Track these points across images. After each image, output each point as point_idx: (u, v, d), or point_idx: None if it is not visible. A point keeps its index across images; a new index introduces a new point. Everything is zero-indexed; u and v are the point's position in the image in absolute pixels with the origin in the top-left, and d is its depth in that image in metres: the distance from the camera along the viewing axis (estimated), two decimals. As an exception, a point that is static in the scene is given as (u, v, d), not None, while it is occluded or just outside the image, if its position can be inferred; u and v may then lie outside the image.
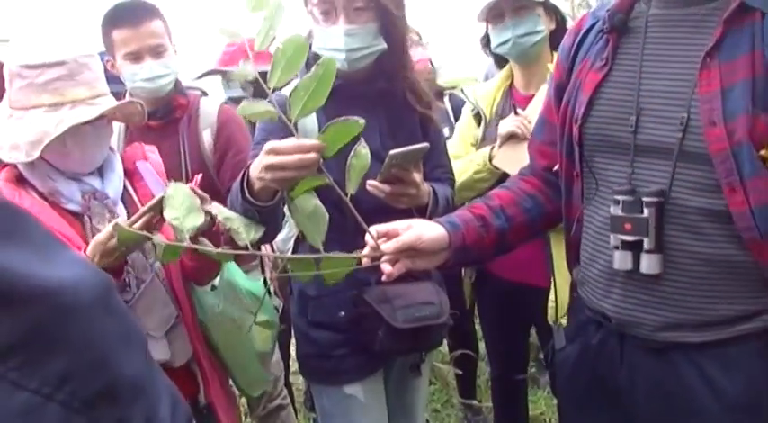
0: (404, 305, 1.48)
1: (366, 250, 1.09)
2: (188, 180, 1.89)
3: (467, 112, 2.10)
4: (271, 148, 1.11)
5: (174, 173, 1.90)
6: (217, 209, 1.05)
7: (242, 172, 1.22)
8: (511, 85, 2.03)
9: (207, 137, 1.99)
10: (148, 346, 1.49)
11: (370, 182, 1.38)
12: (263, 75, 1.03)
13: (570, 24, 1.81)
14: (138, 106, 1.40)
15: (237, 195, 1.21)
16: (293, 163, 1.08)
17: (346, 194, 1.05)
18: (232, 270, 1.68)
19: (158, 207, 1.17)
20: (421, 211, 1.45)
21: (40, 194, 1.34)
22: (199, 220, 0.99)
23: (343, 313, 1.56)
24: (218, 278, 1.64)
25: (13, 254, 0.43)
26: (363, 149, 1.07)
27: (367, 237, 1.07)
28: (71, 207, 1.36)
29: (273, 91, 1.03)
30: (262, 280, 1.84)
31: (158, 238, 1.07)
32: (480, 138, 2.03)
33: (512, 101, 2.00)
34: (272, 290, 2.20)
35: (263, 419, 2.25)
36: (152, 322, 1.41)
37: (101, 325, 0.46)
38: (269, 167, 1.11)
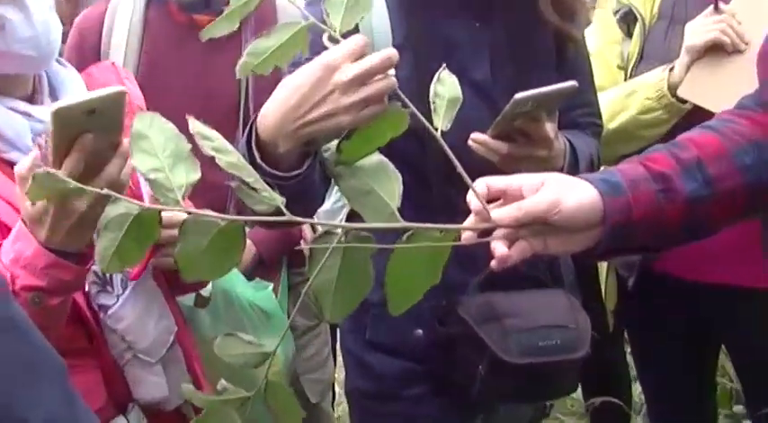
0: (521, 328, 1.48)
1: (469, 220, 1.07)
2: (246, 117, 1.93)
3: (606, 16, 2.07)
4: (326, 64, 1.08)
5: (221, 105, 1.92)
6: (220, 153, 1.01)
7: (249, 126, 1.21)
8: None
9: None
10: (140, 375, 1.47)
11: (475, 136, 1.38)
12: None
13: None
14: None
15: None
16: (377, 66, 1.06)
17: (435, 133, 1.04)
18: (230, 276, 1.74)
19: (108, 136, 1.15)
20: None
21: None
22: (194, 172, 0.98)
23: (421, 332, 1.57)
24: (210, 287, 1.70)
25: None
26: (449, 76, 1.09)
27: (470, 196, 1.06)
28: (14, 157, 1.36)
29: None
30: (270, 288, 1.89)
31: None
32: (636, 55, 2.00)
33: None
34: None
35: None
36: (145, 340, 1.44)
37: None
38: (355, 80, 1.07)
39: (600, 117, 1.72)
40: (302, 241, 2.01)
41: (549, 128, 1.41)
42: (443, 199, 1.48)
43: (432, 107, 1.06)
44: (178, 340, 1.52)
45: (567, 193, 1.08)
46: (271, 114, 1.17)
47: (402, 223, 1.01)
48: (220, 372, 1.60)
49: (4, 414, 0.47)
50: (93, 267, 1.40)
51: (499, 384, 1.48)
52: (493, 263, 1.06)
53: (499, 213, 1.06)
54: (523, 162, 1.41)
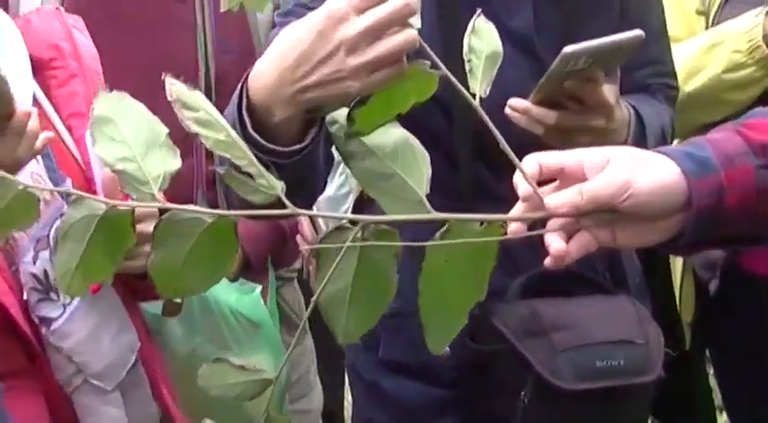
0: (574, 344, 1.47)
1: (517, 208, 1.05)
2: (208, 85, 1.99)
3: None
4: (330, 14, 1.07)
5: (179, 68, 1.93)
6: (206, 128, 1.01)
7: (239, 88, 1.22)
8: None
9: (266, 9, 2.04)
10: (91, 406, 1.52)
11: (515, 102, 1.38)
12: None
13: None
14: None
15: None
16: (391, 16, 1.05)
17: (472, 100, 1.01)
18: None
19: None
20: None
21: None
22: (172, 160, 0.97)
23: (447, 349, 1.51)
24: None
25: None
26: (485, 25, 1.07)
27: (517, 178, 1.05)
28: None
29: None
30: (258, 291, 1.91)
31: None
32: None
33: None
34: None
35: None
36: (98, 362, 1.44)
37: None
38: (364, 35, 1.07)
39: (674, 77, 1.70)
40: (298, 237, 2.00)
41: (608, 91, 1.39)
42: (472, 180, 1.49)
43: (467, 67, 1.03)
44: (142, 358, 1.53)
45: (641, 173, 1.06)
46: (265, 74, 1.16)
47: (434, 214, 0.99)
48: (198, 399, 1.60)
49: None
50: (32, 270, 1.41)
51: (547, 416, 1.49)
52: (547, 261, 1.04)
53: (555, 200, 1.04)
54: (575, 135, 1.41)
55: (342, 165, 1.89)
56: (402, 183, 1.02)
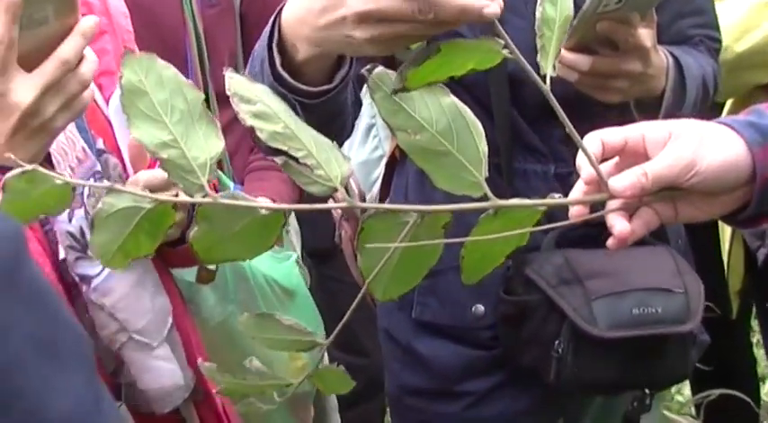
0: (609, 291, 1.47)
1: (576, 190, 1.05)
2: (199, 41, 1.99)
3: None
4: None
5: (168, 27, 1.98)
6: (263, 120, 1.01)
7: (271, 21, 1.20)
8: None
9: None
10: (142, 361, 1.51)
11: None
12: None
13: None
14: None
15: (262, 69, 1.20)
16: (394, 9, 1.01)
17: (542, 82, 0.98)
18: None
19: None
20: (648, 108, 1.45)
21: None
22: (215, 139, 0.96)
23: (482, 307, 1.57)
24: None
25: None
26: None
27: (580, 160, 1.05)
28: None
29: None
30: (293, 259, 1.92)
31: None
32: None
33: None
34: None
35: None
36: (141, 318, 1.45)
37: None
38: (365, 16, 1.04)
39: (717, 29, 1.68)
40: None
41: (644, 34, 1.39)
42: (509, 132, 1.48)
43: (538, 43, 0.99)
44: (175, 324, 1.54)
45: (705, 150, 1.06)
46: (294, 8, 1.15)
47: (493, 201, 0.98)
48: (230, 368, 1.62)
49: (14, 401, 0.49)
50: (68, 228, 1.42)
51: (582, 366, 1.49)
52: (610, 242, 1.04)
53: (620, 182, 1.04)
54: (611, 81, 1.41)
55: (374, 128, 1.90)
56: (457, 162, 1.01)
